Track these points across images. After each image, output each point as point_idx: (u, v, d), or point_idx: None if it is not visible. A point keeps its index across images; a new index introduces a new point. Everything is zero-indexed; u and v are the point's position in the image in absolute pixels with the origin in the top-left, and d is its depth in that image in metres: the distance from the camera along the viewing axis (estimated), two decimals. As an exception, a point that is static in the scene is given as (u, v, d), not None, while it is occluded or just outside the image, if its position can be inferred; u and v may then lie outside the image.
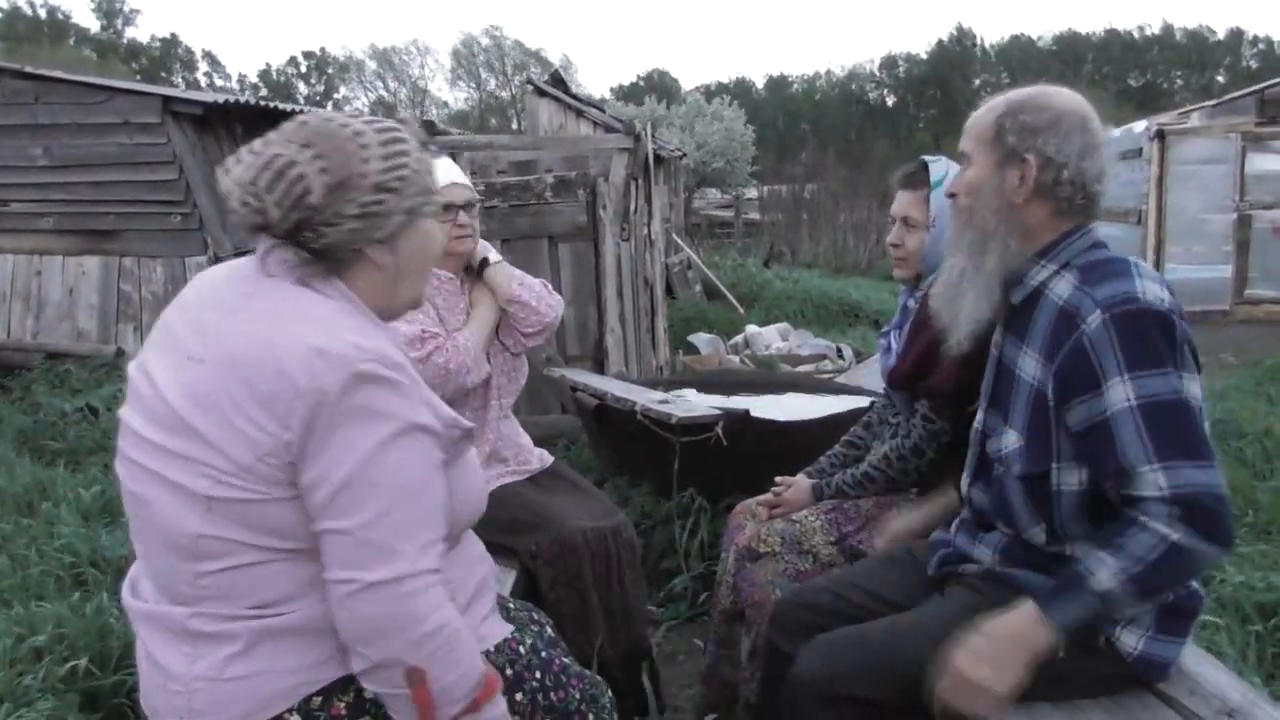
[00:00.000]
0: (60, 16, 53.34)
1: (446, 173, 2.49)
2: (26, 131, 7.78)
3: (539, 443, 2.79)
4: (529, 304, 2.55)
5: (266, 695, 1.29)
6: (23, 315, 7.90)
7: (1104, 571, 1.47)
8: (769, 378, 5.90)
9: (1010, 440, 1.66)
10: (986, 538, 1.75)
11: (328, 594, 1.26)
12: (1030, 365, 1.63)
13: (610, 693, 1.62)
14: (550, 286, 2.67)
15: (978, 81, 58.25)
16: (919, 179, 2.26)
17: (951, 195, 1.77)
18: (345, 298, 1.35)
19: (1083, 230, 1.67)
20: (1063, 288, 1.61)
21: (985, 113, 1.69)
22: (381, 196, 1.33)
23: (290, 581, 1.29)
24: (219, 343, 1.28)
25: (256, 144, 1.33)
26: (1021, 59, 62.62)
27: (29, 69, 8.14)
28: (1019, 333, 1.67)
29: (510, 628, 1.50)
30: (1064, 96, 1.66)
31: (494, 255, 2.59)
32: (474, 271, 2.58)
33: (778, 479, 2.50)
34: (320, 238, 1.31)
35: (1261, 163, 10.29)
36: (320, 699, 1.31)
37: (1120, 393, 1.50)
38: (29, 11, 51.27)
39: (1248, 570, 3.08)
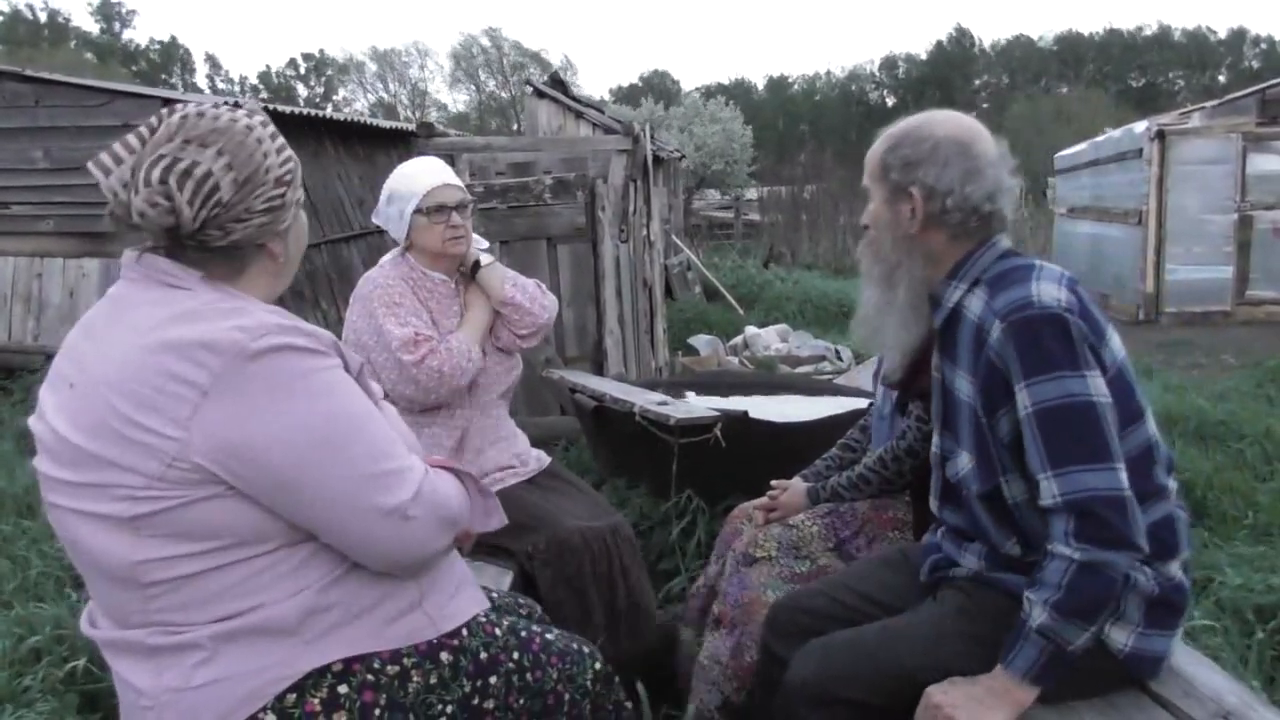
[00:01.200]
0: (60, 20, 53.38)
1: (438, 174, 2.50)
2: (27, 134, 7.80)
3: (537, 443, 2.79)
4: (522, 305, 2.56)
5: (238, 697, 1.28)
6: (24, 317, 7.93)
7: (1035, 609, 1.50)
8: (768, 379, 5.90)
9: (964, 462, 1.68)
10: (970, 546, 1.76)
11: (371, 543, 1.31)
12: (964, 385, 1.66)
13: (599, 664, 1.60)
14: (544, 287, 2.67)
15: (978, 82, 58.32)
16: None
17: (865, 227, 1.80)
18: (217, 290, 1.33)
19: (988, 244, 1.68)
20: (975, 304, 1.64)
21: (876, 147, 1.73)
22: (282, 190, 1.36)
23: (239, 585, 1.29)
24: (92, 367, 1.27)
25: (131, 142, 1.31)
26: (1021, 59, 62.66)
27: (29, 72, 8.17)
28: (950, 354, 1.71)
29: (485, 604, 1.51)
30: (943, 123, 1.68)
31: (486, 257, 2.59)
32: (467, 273, 2.58)
33: (774, 482, 2.50)
34: (227, 234, 1.31)
35: (1263, 163, 10.27)
36: (294, 695, 1.31)
37: (1022, 400, 1.53)
38: (29, 15, 51.30)
39: (1247, 573, 3.06)
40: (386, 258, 2.58)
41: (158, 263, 1.32)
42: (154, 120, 1.33)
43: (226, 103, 1.61)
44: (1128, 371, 1.61)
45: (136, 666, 1.31)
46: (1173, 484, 1.67)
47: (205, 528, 1.25)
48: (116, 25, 58.53)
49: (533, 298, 2.58)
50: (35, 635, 2.65)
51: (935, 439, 1.80)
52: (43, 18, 52.22)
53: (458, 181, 2.54)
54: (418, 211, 2.46)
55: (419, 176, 2.49)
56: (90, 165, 1.31)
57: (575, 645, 1.62)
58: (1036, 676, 1.51)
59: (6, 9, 49.97)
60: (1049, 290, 1.55)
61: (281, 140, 1.39)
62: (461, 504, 1.43)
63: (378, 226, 2.63)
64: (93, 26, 57.49)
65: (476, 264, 2.57)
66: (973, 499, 1.68)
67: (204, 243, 1.31)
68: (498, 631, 1.51)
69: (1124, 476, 1.48)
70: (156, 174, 1.27)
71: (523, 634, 1.54)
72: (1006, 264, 1.65)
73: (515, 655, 1.50)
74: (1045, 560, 1.51)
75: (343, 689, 1.33)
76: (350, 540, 1.31)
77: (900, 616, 1.77)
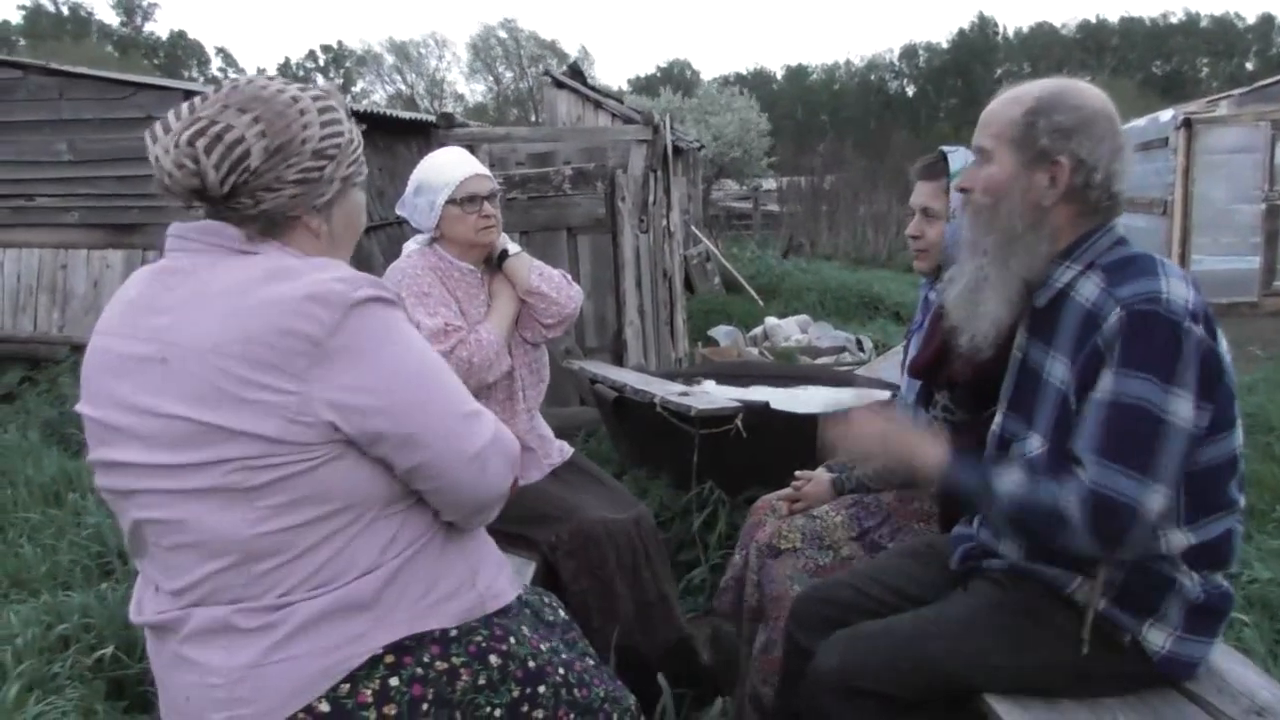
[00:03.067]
0: (83, 14, 53.72)
1: (469, 164, 2.50)
2: (51, 127, 7.86)
3: (559, 434, 2.79)
4: (548, 295, 2.56)
5: (312, 674, 1.29)
6: (49, 308, 8.01)
7: (1009, 483, 1.53)
8: (788, 370, 5.88)
9: (1034, 444, 1.62)
10: None
11: (458, 487, 1.36)
12: (1059, 370, 1.58)
13: (633, 702, 1.60)
14: (569, 277, 2.67)
15: (999, 71, 57.80)
16: (938, 169, 2.24)
17: (963, 190, 1.72)
18: (286, 251, 1.35)
19: (1105, 228, 1.62)
20: (1089, 289, 1.56)
21: (1008, 107, 1.62)
22: (321, 163, 1.34)
23: (337, 557, 1.30)
24: (184, 338, 1.25)
25: (184, 109, 1.32)
26: (1044, 47, 62.07)
27: (53, 65, 8.23)
28: (1045, 336, 1.63)
29: (513, 593, 1.52)
30: (1094, 95, 1.60)
31: (513, 247, 2.59)
32: (493, 263, 2.58)
33: (798, 473, 2.49)
34: (257, 204, 1.32)
35: (1291, 152, 10.15)
36: (347, 685, 1.31)
37: (1104, 383, 1.48)
38: (52, 9, 51.66)
39: (1276, 567, 3.03)
40: (411, 248, 2.57)
41: (223, 230, 1.32)
42: (211, 89, 1.36)
43: (298, 79, 1.61)
44: (1231, 380, 1.55)
45: (208, 645, 1.29)
46: (1241, 501, 1.62)
47: (320, 492, 1.27)
48: (139, 19, 58.90)
49: (559, 288, 2.58)
50: (63, 623, 2.68)
51: (998, 419, 1.75)
52: (65, 11, 52.59)
53: (487, 171, 2.54)
54: (450, 201, 2.46)
55: (450, 167, 2.48)
56: (146, 133, 1.33)
57: (611, 675, 1.63)
58: (945, 486, 1.60)
59: (29, 3, 50.34)
60: (1179, 290, 1.47)
61: (336, 116, 1.37)
62: (514, 442, 1.46)
63: (397, 218, 2.62)
64: (114, 20, 57.87)
65: (504, 253, 2.56)
66: None
67: (236, 210, 1.32)
68: (543, 646, 1.51)
69: (1159, 500, 1.44)
70: (186, 136, 1.28)
71: (564, 655, 1.54)
72: (1124, 251, 1.58)
73: (561, 671, 1.49)
74: (1054, 481, 1.49)
75: (394, 681, 1.33)
76: (444, 483, 1.35)
77: (930, 608, 1.75)
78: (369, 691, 1.31)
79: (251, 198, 1.32)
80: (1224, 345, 1.55)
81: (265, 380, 1.22)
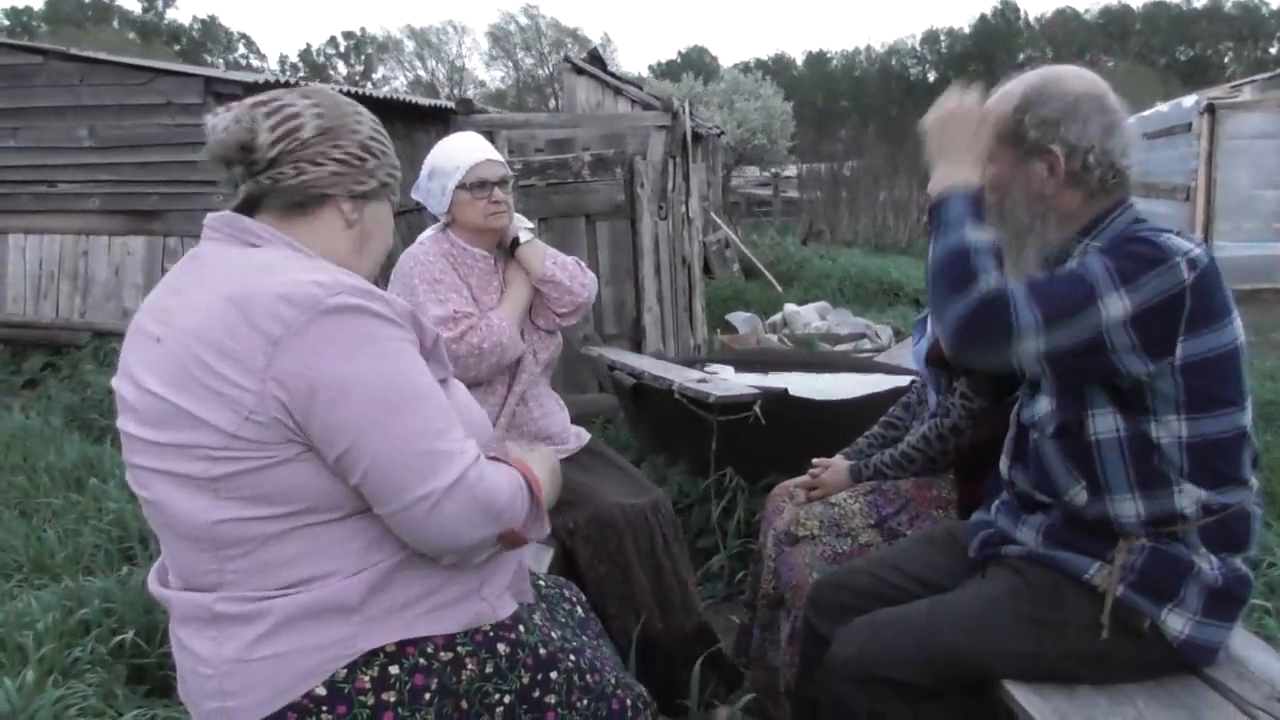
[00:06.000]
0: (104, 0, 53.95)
1: (480, 149, 2.50)
2: (72, 113, 7.91)
3: (577, 421, 2.79)
4: (562, 283, 2.55)
5: (295, 673, 1.29)
6: (70, 294, 8.06)
7: (975, 235, 1.54)
8: (807, 356, 5.86)
9: (1042, 405, 1.65)
10: (1029, 519, 1.72)
11: (406, 522, 1.28)
12: None
13: (641, 686, 1.60)
14: (584, 265, 2.65)
15: (1022, 56, 57.24)
16: None
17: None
18: (292, 248, 1.37)
19: (1123, 206, 1.65)
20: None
21: (999, 105, 1.66)
22: (364, 155, 1.43)
23: (311, 553, 1.30)
24: (177, 320, 1.29)
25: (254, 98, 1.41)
26: (1066, 33, 61.43)
27: (74, 51, 8.27)
28: None
29: (515, 606, 1.49)
30: (1077, 78, 1.64)
31: (526, 234, 2.58)
32: (507, 250, 2.58)
33: (815, 460, 2.48)
34: (299, 174, 1.38)
35: (1314, 138, 10.02)
36: (345, 671, 1.31)
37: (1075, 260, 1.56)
38: (73, -6, 51.89)
39: (1297, 553, 3.01)
40: (426, 234, 2.58)
41: (238, 221, 1.37)
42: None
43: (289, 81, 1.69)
44: (1237, 357, 1.56)
45: (199, 634, 1.32)
46: (1255, 481, 1.64)
47: (280, 491, 1.27)
48: (160, 4, 59.12)
49: (573, 275, 2.57)
50: (84, 608, 2.70)
51: (1021, 400, 1.77)
52: (87, -2, 52.84)
53: (499, 157, 2.53)
54: (460, 186, 2.46)
55: (461, 152, 2.48)
56: (208, 115, 1.41)
57: (618, 662, 1.62)
58: (938, 198, 1.60)
59: (52, -11, 50.57)
60: (1182, 241, 1.52)
61: (384, 132, 1.48)
62: (513, 502, 1.37)
63: (416, 204, 2.62)
64: (135, 5, 58.11)
65: (516, 240, 2.56)
66: (1044, 443, 1.65)
67: (279, 179, 1.37)
68: (555, 634, 1.51)
69: (1035, 345, 1.48)
70: (249, 103, 1.38)
71: (574, 643, 1.53)
72: (1144, 227, 1.60)
73: (573, 658, 1.49)
74: (999, 275, 1.53)
75: (394, 669, 1.33)
76: (386, 513, 1.30)
77: (948, 595, 1.75)
78: (367, 678, 1.31)
79: (294, 167, 1.37)
80: (1236, 322, 1.56)
81: (226, 372, 1.23)
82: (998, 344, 1.49)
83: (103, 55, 8.45)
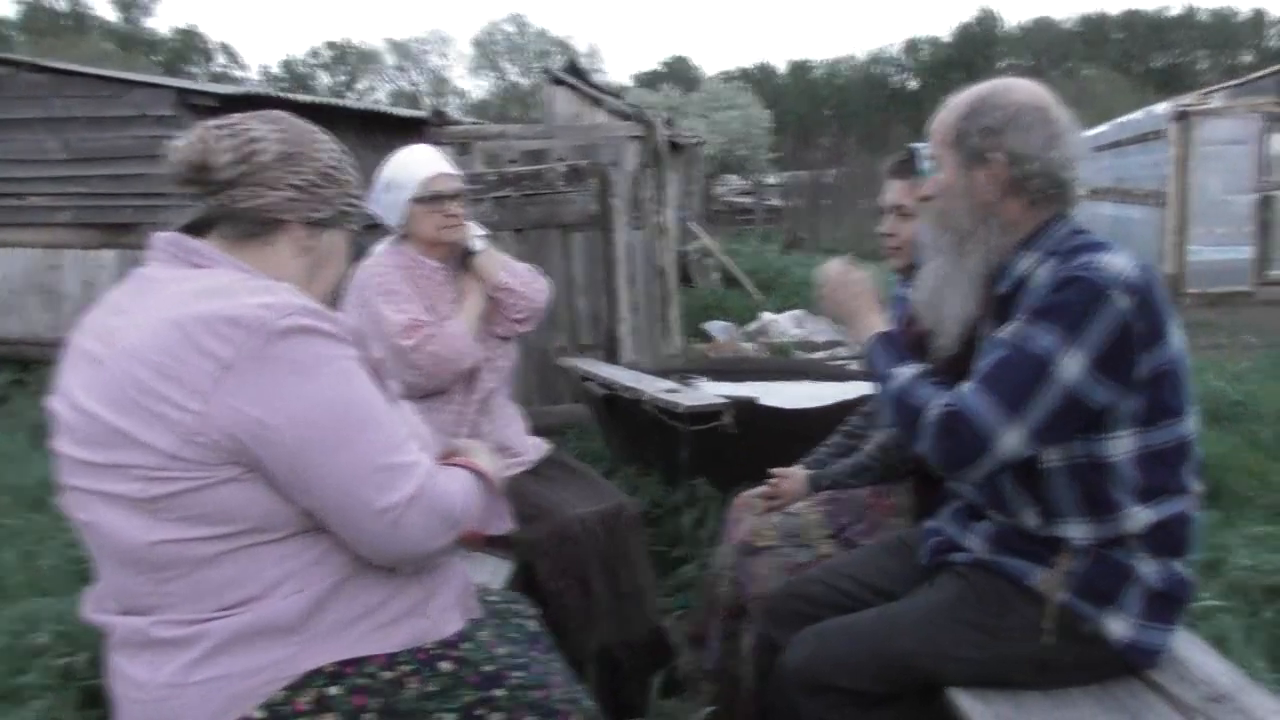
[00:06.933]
0: (80, 9, 53.68)
1: (434, 163, 2.50)
2: (44, 125, 7.85)
3: (551, 431, 2.79)
4: (517, 290, 2.57)
5: (231, 696, 1.28)
6: (40, 309, 7.98)
7: (904, 374, 1.68)
8: (782, 365, 5.87)
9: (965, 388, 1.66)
10: (977, 526, 1.74)
11: (370, 537, 1.30)
12: None
13: (591, 702, 1.58)
14: (536, 272, 2.68)
15: (1002, 64, 57.65)
16: (908, 167, 2.25)
17: (925, 198, 1.78)
18: (239, 269, 1.36)
19: (1062, 217, 1.67)
20: (1043, 274, 1.60)
21: (946, 114, 1.70)
22: (325, 183, 1.42)
23: (252, 575, 1.29)
24: (119, 340, 1.28)
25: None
26: (1045, 41, 61.98)
27: (45, 63, 8.21)
28: (1002, 321, 1.65)
29: (461, 624, 1.49)
30: (1021, 89, 1.66)
31: (480, 243, 2.59)
32: (461, 260, 2.59)
33: (774, 470, 2.49)
34: (255, 197, 1.37)
35: (1284, 143, 10.13)
36: (284, 693, 1.30)
37: (1012, 325, 1.56)
38: (50, 4, 51.61)
39: (1258, 553, 3.03)
40: (380, 246, 2.59)
41: (185, 242, 1.36)
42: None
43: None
44: (1180, 367, 1.58)
45: (135, 658, 1.31)
46: (1196, 487, 1.66)
47: (220, 511, 1.25)
48: (137, 15, 58.88)
49: (527, 282, 2.60)
50: (37, 631, 2.65)
51: None
52: (64, 7, 52.54)
53: (454, 170, 2.55)
54: (415, 200, 2.47)
55: (415, 165, 2.49)
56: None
57: (571, 678, 1.60)
58: (865, 351, 1.79)
59: (27, 0, 50.31)
60: (1116, 261, 1.52)
61: (347, 161, 1.48)
62: (467, 504, 1.40)
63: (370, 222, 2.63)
64: (112, 16, 57.85)
65: (470, 251, 2.57)
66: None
67: (234, 201, 1.36)
68: (500, 650, 1.49)
69: (1015, 440, 1.51)
70: (210, 124, 1.39)
71: (521, 659, 1.52)
72: (1081, 239, 1.63)
73: (519, 674, 1.48)
74: (938, 392, 1.60)
75: (333, 690, 1.31)
76: (345, 531, 1.31)
77: (897, 603, 1.76)
78: (306, 700, 1.30)
79: (251, 189, 1.37)
80: (1175, 337, 1.57)
81: (169, 394, 1.22)
82: (978, 453, 1.52)
83: (74, 66, 8.40)
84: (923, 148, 2.24)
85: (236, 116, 1.40)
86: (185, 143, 1.36)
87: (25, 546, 3.49)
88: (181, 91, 7.78)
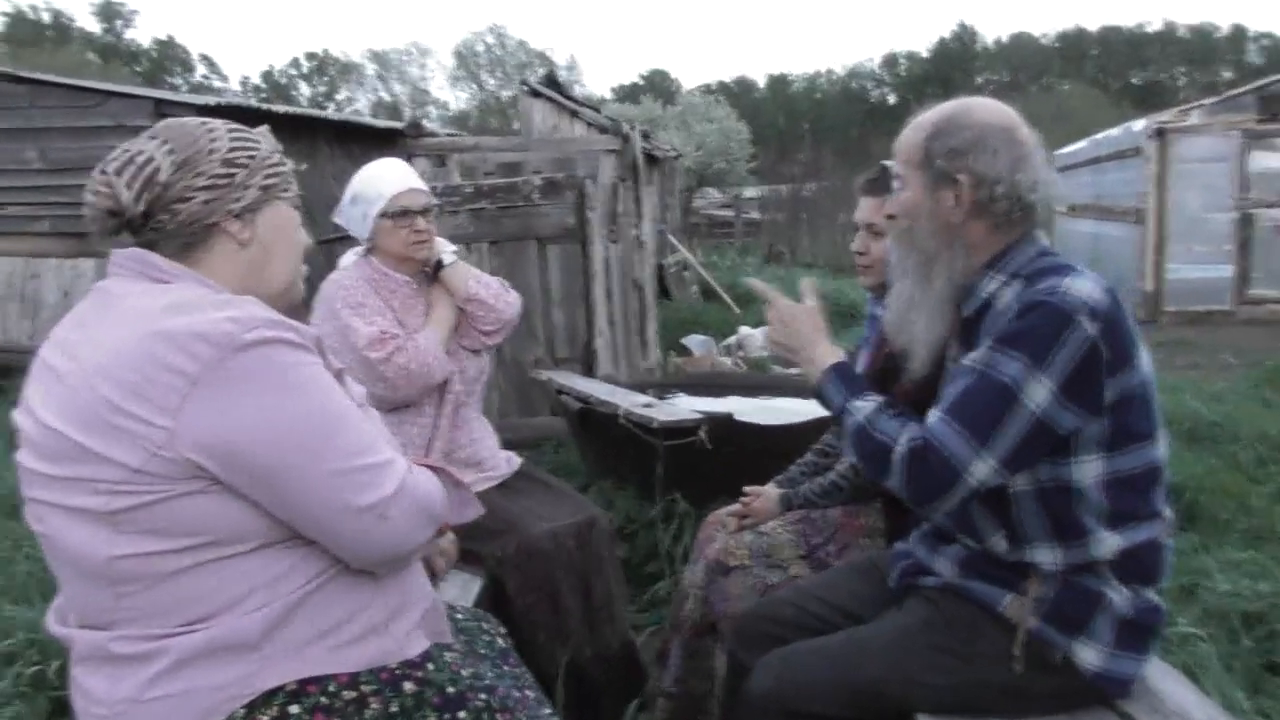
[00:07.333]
0: (64, 20, 53.42)
1: (403, 178, 2.50)
2: (21, 135, 7.80)
3: (527, 444, 2.79)
4: (487, 301, 2.57)
5: (192, 713, 1.27)
6: (19, 318, 7.93)
7: (863, 407, 1.63)
8: (759, 380, 5.88)
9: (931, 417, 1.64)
10: (946, 550, 1.72)
11: (355, 537, 1.30)
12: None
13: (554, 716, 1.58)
14: (507, 284, 2.68)
15: (980, 79, 58.17)
16: (880, 184, 2.23)
17: (890, 217, 1.76)
18: (202, 283, 1.36)
19: (1028, 239, 1.66)
20: (1009, 295, 1.60)
21: (912, 134, 1.68)
22: (230, 170, 1.38)
23: (212, 591, 1.27)
24: (82, 355, 1.27)
25: (118, 150, 1.39)
26: (1023, 56, 62.55)
27: (21, 73, 8.17)
28: (969, 343, 1.65)
29: (426, 645, 1.48)
30: (987, 110, 1.65)
31: (449, 256, 2.59)
32: (430, 273, 2.58)
33: (746, 489, 2.48)
34: (174, 216, 1.35)
35: (1263, 161, 10.18)
36: (243, 711, 1.29)
37: (978, 353, 1.54)
38: (32, 15, 51.34)
39: (1236, 578, 3.01)
40: (347, 259, 2.58)
41: (143, 256, 1.35)
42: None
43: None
44: (1148, 391, 1.57)
45: (95, 672, 1.30)
46: (1168, 513, 1.65)
47: (183, 524, 1.25)
48: (119, 25, 58.61)
49: (496, 294, 2.60)
50: (7, 639, 2.63)
51: None
52: (46, 18, 52.27)
53: (423, 185, 2.54)
54: (383, 215, 2.45)
55: (383, 180, 2.47)
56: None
57: (538, 697, 1.59)
58: (818, 386, 1.72)
59: (10, 10, 50.06)
60: (1081, 286, 1.51)
61: (249, 137, 1.42)
62: (442, 500, 1.43)
63: (338, 233, 2.62)
64: (95, 27, 57.56)
65: (439, 263, 2.56)
66: None
67: (159, 227, 1.35)
68: (464, 672, 1.48)
69: (985, 470, 1.50)
70: (103, 168, 1.35)
71: (487, 680, 1.50)
72: (1047, 260, 1.62)
73: (483, 696, 1.46)
74: (902, 418, 1.59)
75: (294, 709, 1.30)
76: (328, 535, 1.31)
77: (865, 626, 1.74)
78: (266, 718, 1.29)
79: (167, 212, 1.35)
80: (1142, 359, 1.57)
81: (135, 410, 1.21)
82: (950, 484, 1.51)
83: (51, 77, 8.35)
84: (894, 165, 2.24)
85: (125, 144, 1.37)
86: (92, 195, 1.34)
87: (1, 554, 3.45)
88: (159, 102, 7.74)
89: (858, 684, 1.62)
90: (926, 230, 1.66)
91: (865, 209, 2.29)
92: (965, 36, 64.71)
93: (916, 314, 1.69)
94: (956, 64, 61.38)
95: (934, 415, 1.55)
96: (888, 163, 2.25)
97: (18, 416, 1.34)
